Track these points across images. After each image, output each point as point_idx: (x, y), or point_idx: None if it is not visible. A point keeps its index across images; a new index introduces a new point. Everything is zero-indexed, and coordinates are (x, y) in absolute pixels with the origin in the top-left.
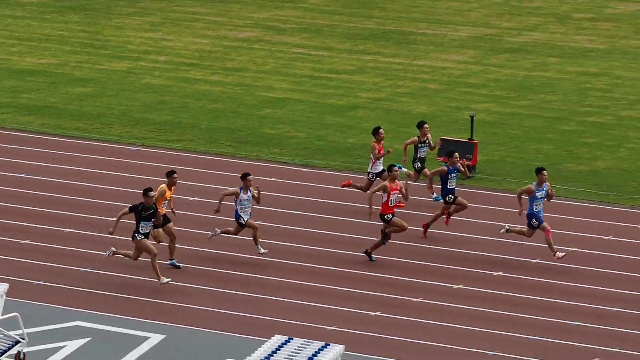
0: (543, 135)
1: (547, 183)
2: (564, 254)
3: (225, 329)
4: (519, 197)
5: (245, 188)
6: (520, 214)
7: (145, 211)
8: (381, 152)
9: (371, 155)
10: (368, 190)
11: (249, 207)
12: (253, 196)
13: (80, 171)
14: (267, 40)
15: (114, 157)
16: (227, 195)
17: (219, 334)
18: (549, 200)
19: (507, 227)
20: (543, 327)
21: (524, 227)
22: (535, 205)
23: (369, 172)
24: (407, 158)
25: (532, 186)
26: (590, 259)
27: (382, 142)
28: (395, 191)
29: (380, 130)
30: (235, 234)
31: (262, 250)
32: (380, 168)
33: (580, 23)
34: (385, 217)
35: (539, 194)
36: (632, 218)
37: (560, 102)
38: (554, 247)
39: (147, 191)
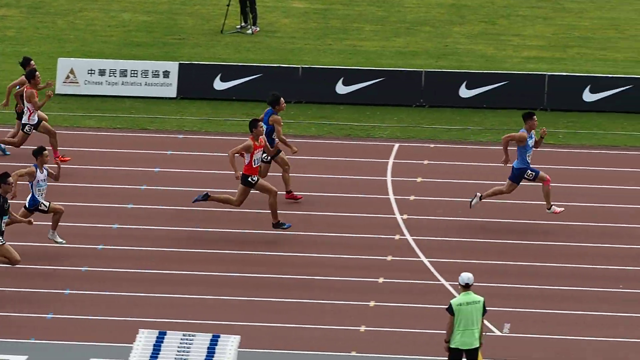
0: None
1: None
2: (562, 208)
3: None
4: (505, 146)
5: (40, 165)
6: (505, 164)
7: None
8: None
9: (28, 104)
10: (21, 145)
11: (46, 187)
12: (50, 174)
13: None
14: None
15: None
16: (21, 176)
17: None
18: (537, 147)
19: (479, 195)
20: None
21: (499, 185)
22: (528, 156)
23: (24, 124)
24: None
25: (524, 133)
26: None
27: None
28: (260, 149)
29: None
30: (21, 222)
31: (59, 239)
32: (36, 119)
33: None
34: (249, 179)
35: (530, 142)
36: None
37: None
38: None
39: (4, 177)
